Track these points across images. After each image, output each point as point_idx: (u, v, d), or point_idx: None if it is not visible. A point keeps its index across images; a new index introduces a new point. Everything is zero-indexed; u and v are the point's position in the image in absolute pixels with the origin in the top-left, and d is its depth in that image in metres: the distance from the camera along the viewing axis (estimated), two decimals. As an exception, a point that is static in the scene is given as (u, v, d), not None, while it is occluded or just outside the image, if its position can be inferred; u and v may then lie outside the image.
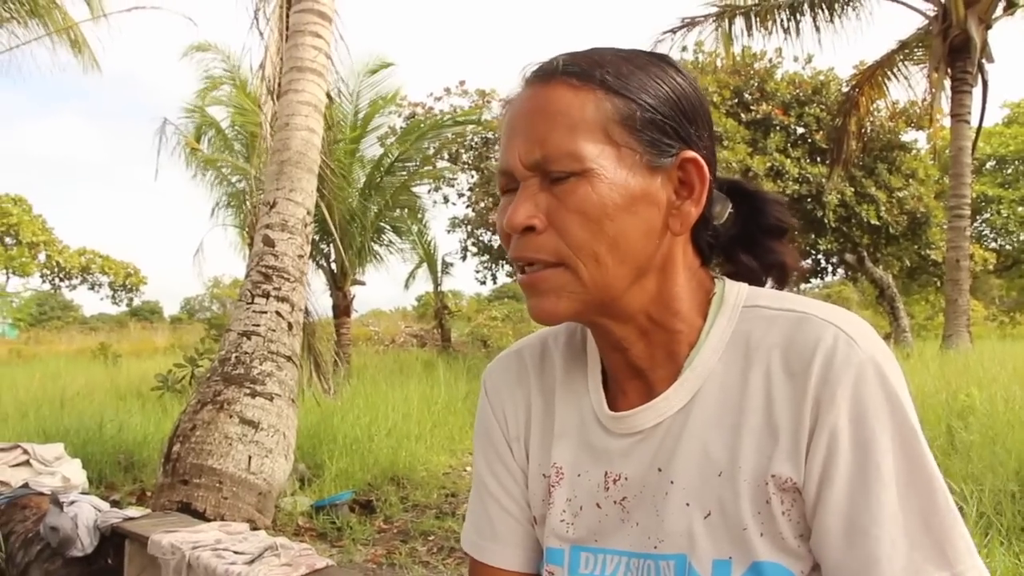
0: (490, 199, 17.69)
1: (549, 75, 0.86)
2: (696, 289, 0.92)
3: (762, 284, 0.97)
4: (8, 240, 35.31)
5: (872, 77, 14.58)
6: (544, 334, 1.08)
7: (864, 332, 0.83)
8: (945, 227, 14.69)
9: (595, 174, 0.81)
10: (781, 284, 0.98)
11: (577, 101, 0.83)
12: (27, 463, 5.02)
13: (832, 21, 14.40)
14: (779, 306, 0.88)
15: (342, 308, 14.21)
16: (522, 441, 1.04)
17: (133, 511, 4.08)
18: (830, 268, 20.32)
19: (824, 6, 14.26)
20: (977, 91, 13.23)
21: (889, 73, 14.63)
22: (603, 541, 0.94)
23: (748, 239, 0.98)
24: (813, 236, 16.89)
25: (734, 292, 0.91)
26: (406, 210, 15.65)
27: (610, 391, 0.97)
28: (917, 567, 0.77)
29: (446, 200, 19.53)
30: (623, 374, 0.95)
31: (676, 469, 0.88)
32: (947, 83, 13.32)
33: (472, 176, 18.81)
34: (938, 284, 19.89)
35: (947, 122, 14.04)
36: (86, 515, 3.80)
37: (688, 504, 0.86)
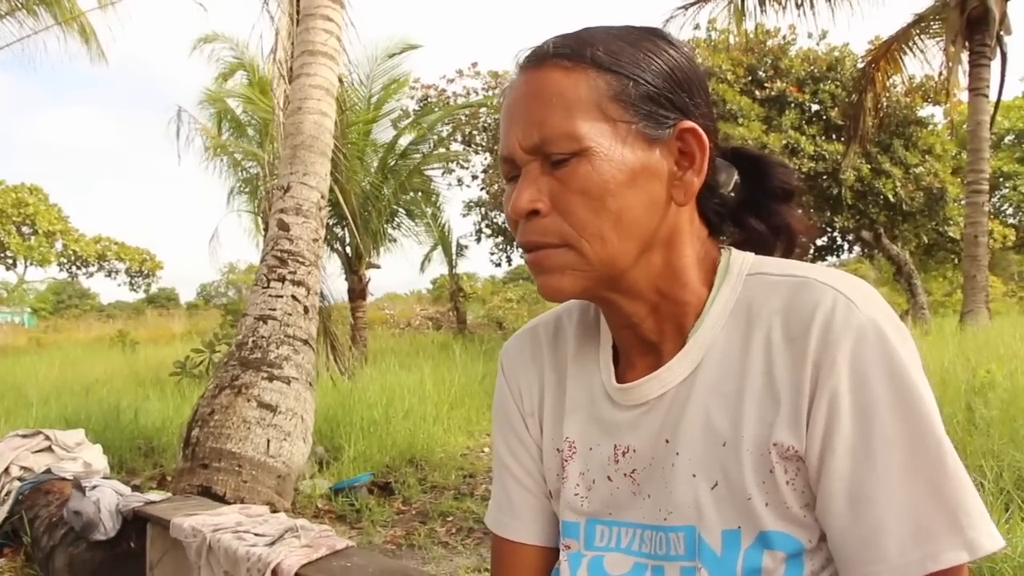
0: (504, 180, 17.64)
1: (541, 59, 0.87)
2: (703, 259, 0.92)
3: (772, 249, 0.97)
4: (25, 230, 35.55)
5: (888, 52, 14.39)
6: (559, 311, 1.09)
7: (865, 294, 0.83)
8: (963, 203, 14.54)
9: (594, 152, 0.82)
10: (789, 248, 0.99)
11: (570, 82, 0.84)
12: (49, 449, 5.07)
13: (846, -5, 14.21)
14: (780, 272, 0.88)
15: (357, 291, 14.25)
16: (536, 416, 1.05)
17: (154, 495, 4.11)
18: (846, 245, 20.20)
19: (839, -21, 14.08)
20: (995, 64, 13.02)
21: (905, 47, 14.42)
22: (617, 514, 0.95)
23: (755, 204, 0.99)
24: (829, 213, 16.77)
25: (739, 261, 0.92)
26: (420, 193, 15.64)
27: (620, 365, 0.98)
28: (927, 533, 0.76)
29: (460, 182, 19.55)
30: (634, 349, 0.95)
31: (681, 439, 0.88)
32: (964, 56, 13.14)
33: (486, 158, 18.78)
34: (956, 261, 19.72)
35: (964, 96, 13.87)
36: (108, 499, 3.83)
37: (695, 475, 0.87)
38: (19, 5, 12.81)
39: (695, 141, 0.87)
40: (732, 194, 0.98)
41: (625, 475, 0.93)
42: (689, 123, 0.86)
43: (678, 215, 0.88)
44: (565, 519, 0.99)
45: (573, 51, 0.85)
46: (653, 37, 0.89)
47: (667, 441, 0.89)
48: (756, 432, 0.83)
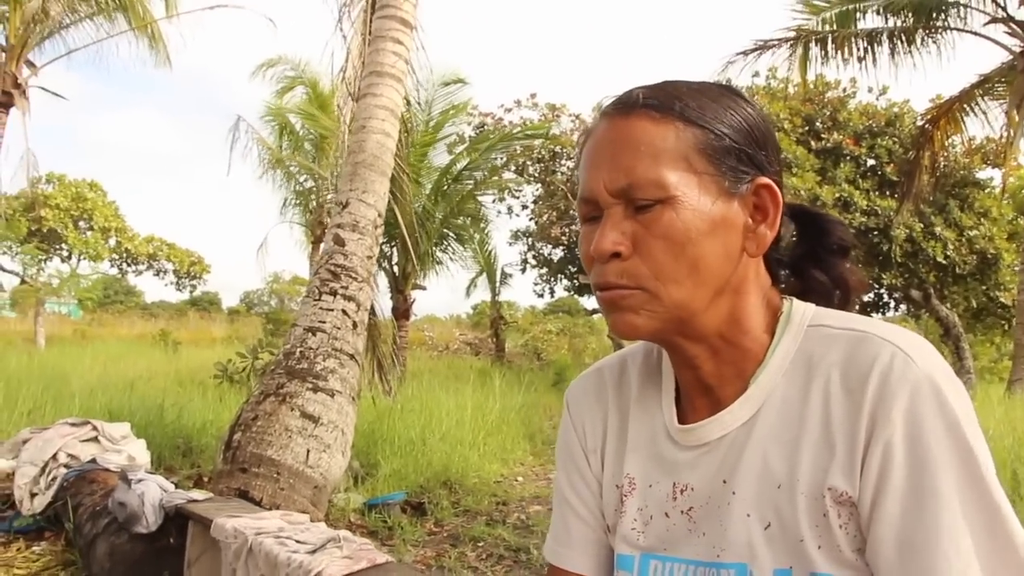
0: (553, 212, 17.73)
1: (630, 107, 0.90)
2: (765, 308, 0.95)
3: (832, 301, 1.01)
4: (82, 224, 36.37)
5: (949, 111, 14.25)
6: (624, 354, 1.13)
7: (923, 350, 0.84)
8: (1017, 269, 14.29)
9: (679, 201, 0.85)
10: (845, 301, 1.02)
11: (659, 132, 0.87)
12: (95, 439, 5.18)
13: (910, 52, 14.10)
14: (842, 325, 0.90)
15: (401, 311, 14.35)
16: (599, 453, 1.09)
17: (197, 494, 4.18)
18: (893, 303, 19.92)
19: (903, 37, 13.98)
20: (1058, 131, 12.86)
21: (967, 108, 14.26)
22: (672, 550, 0.97)
23: (815, 257, 1.03)
24: (877, 270, 16.56)
25: (800, 311, 0.94)
26: (470, 219, 15.76)
27: (681, 407, 1.01)
28: None
29: (510, 211, 19.66)
30: (694, 390, 0.98)
31: (738, 480, 0.91)
32: (1028, 121, 12.97)
33: (537, 189, 18.88)
34: (1006, 327, 19.34)
35: (1025, 161, 13.68)
36: (152, 493, 3.91)
37: (749, 515, 0.89)
38: (100, 8, 13.23)
39: (770, 197, 0.91)
40: (788, 247, 1.04)
41: (682, 512, 0.96)
42: (765, 179, 0.91)
43: (747, 265, 0.92)
44: (621, 552, 1.02)
45: (661, 103, 0.89)
46: (731, 94, 0.94)
47: (724, 482, 0.92)
48: (811, 477, 0.85)
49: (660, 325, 0.89)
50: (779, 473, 0.88)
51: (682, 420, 0.99)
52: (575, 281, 19.65)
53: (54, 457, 4.90)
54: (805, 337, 0.91)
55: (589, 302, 21.94)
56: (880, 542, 0.81)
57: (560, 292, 21.49)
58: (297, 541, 3.04)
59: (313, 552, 2.89)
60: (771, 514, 0.88)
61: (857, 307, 1.03)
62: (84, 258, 35.81)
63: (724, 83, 0.98)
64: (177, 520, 3.86)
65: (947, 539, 0.77)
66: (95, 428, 5.24)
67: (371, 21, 6.61)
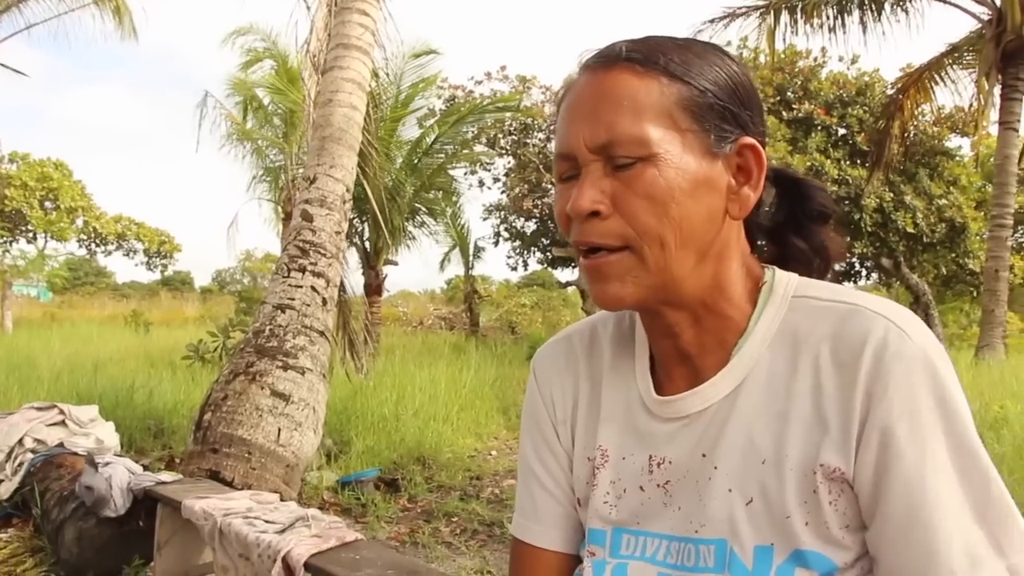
0: (525, 185, 17.68)
1: (611, 60, 0.86)
2: (746, 276, 0.93)
3: (811, 268, 0.99)
4: (48, 204, 35.78)
5: (919, 80, 14.31)
6: (593, 320, 1.10)
7: (915, 324, 0.84)
8: (985, 236, 14.44)
9: (661, 159, 0.82)
10: (824, 269, 1.00)
11: (642, 86, 0.83)
12: (63, 423, 5.10)
13: (880, 21, 14.10)
14: (829, 297, 0.89)
15: (373, 287, 14.27)
16: (568, 425, 1.06)
17: (166, 476, 4.13)
18: (864, 272, 20.11)
19: (873, 5, 13.99)
20: (1027, 99, 12.95)
21: (937, 77, 14.33)
22: (645, 524, 0.95)
23: (795, 224, 1.00)
24: (849, 239, 16.68)
25: (784, 281, 0.92)
26: (441, 192, 15.66)
27: (657, 377, 0.98)
28: (974, 559, 0.77)
29: (481, 184, 19.61)
30: (671, 360, 0.96)
31: (720, 455, 0.89)
32: (997, 89, 13.05)
33: (509, 162, 18.81)
34: (974, 294, 19.61)
35: (994, 129, 13.77)
36: (120, 476, 3.86)
37: (730, 490, 0.87)
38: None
39: (754, 157, 0.88)
40: (768, 213, 1.01)
41: (658, 486, 0.94)
42: (750, 139, 0.88)
43: (729, 229, 0.89)
44: (592, 526, 0.99)
45: (646, 56, 0.84)
46: (717, 51, 0.90)
47: (704, 455, 0.90)
48: (801, 453, 0.83)
49: (646, 293, 0.86)
50: (764, 448, 0.86)
51: (659, 390, 0.96)
52: (548, 254, 19.65)
53: (20, 442, 4.82)
54: (790, 308, 0.89)
55: (563, 274, 21.96)
56: (885, 523, 0.80)
57: (534, 265, 21.52)
58: (266, 521, 3.01)
59: (282, 531, 2.86)
60: (754, 490, 0.86)
61: (830, 276, 1.00)
62: (50, 238, 35.30)
63: (710, 42, 0.93)
64: (146, 503, 3.81)
65: (951, 514, 0.77)
66: (62, 412, 5.15)
67: (336, -8, 6.49)
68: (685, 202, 0.83)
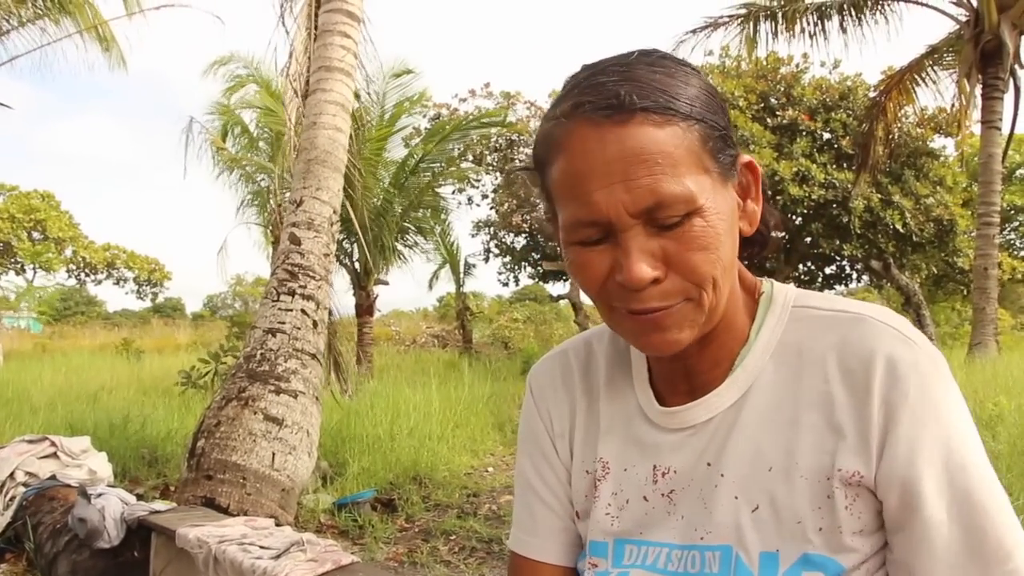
0: (513, 201, 17.69)
1: (626, 113, 0.79)
2: (743, 287, 0.94)
3: (753, 243, 0.97)
4: (36, 235, 35.69)
5: (900, 82, 14.41)
6: (588, 335, 1.11)
7: (917, 332, 0.86)
8: (973, 235, 14.52)
9: (705, 208, 0.80)
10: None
11: (668, 137, 0.79)
12: (55, 455, 5.07)
13: (860, 25, 14.24)
14: (830, 307, 0.90)
15: (365, 307, 14.26)
16: (566, 438, 1.06)
17: (159, 504, 4.11)
18: (855, 275, 20.16)
19: (852, 10, 14.11)
20: (1009, 97, 13.07)
21: (918, 78, 14.45)
22: (648, 533, 0.95)
23: None
24: (838, 242, 16.73)
25: (783, 292, 0.94)
26: (430, 210, 15.67)
27: (657, 388, 0.99)
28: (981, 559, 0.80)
29: (470, 201, 19.60)
30: (676, 375, 0.96)
31: (726, 463, 0.90)
32: (978, 89, 13.16)
33: (496, 178, 18.83)
34: (965, 292, 19.66)
35: (977, 129, 13.88)
36: (113, 507, 3.83)
37: (736, 497, 0.88)
38: (42, 12, 12.91)
39: (750, 171, 0.89)
40: None
41: (662, 495, 0.95)
42: (746, 156, 0.88)
43: (736, 245, 0.89)
44: (593, 539, 0.99)
45: (656, 102, 0.80)
46: (689, 69, 0.86)
47: (709, 464, 0.91)
48: (814, 460, 0.85)
49: (700, 332, 0.86)
50: (772, 456, 0.87)
51: (660, 402, 0.97)
52: (539, 268, 19.64)
53: (11, 476, 4.79)
54: (791, 318, 0.91)
55: (555, 288, 21.93)
56: (925, 523, 0.81)
57: (525, 280, 21.50)
58: (261, 547, 2.98)
59: (277, 557, 2.84)
60: (761, 497, 0.87)
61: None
62: (39, 269, 35.21)
63: (675, 56, 0.88)
64: (140, 533, 3.78)
65: (991, 502, 0.81)
66: (53, 444, 5.13)
67: (316, 16, 6.51)
68: (727, 240, 0.83)
